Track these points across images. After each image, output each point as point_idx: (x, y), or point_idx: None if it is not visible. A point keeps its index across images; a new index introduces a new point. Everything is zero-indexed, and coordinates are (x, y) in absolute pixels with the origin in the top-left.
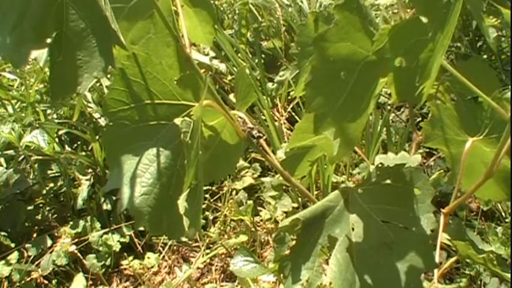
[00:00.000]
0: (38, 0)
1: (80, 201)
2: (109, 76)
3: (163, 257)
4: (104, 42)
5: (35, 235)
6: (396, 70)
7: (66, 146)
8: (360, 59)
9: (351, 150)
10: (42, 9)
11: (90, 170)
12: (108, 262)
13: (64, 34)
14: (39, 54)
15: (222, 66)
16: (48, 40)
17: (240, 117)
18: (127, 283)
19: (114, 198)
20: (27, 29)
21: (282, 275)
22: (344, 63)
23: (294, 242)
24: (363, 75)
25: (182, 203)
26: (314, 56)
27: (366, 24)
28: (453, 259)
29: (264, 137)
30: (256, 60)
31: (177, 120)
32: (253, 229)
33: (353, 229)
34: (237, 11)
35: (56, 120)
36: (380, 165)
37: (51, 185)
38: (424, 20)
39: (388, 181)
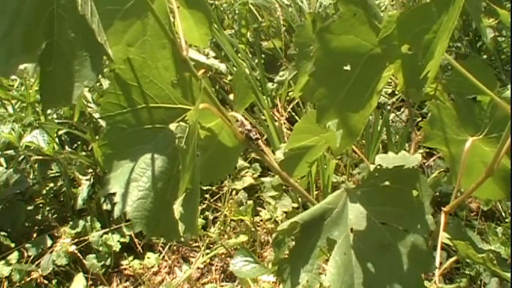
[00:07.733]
0: (28, 10)
1: (80, 201)
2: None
3: (163, 257)
4: (94, 52)
5: (35, 235)
6: (404, 57)
7: (66, 146)
8: (365, 52)
9: (353, 142)
10: (32, 19)
11: (90, 170)
12: (108, 262)
13: (54, 43)
14: (29, 65)
15: (222, 66)
16: (38, 50)
17: (238, 119)
18: (127, 283)
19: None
20: (17, 39)
21: (281, 278)
22: (348, 55)
23: (293, 245)
24: (366, 68)
25: (177, 208)
26: (317, 47)
27: (371, 17)
28: (453, 259)
29: (264, 137)
30: (256, 60)
31: (172, 126)
32: (253, 229)
33: (351, 231)
34: (237, 11)
35: (56, 120)
36: (378, 167)
37: (51, 185)
38: None
39: (387, 183)
